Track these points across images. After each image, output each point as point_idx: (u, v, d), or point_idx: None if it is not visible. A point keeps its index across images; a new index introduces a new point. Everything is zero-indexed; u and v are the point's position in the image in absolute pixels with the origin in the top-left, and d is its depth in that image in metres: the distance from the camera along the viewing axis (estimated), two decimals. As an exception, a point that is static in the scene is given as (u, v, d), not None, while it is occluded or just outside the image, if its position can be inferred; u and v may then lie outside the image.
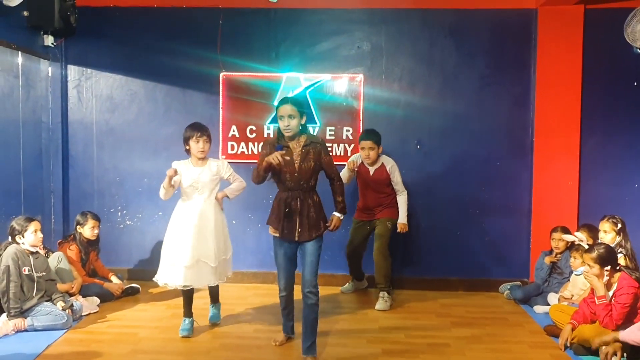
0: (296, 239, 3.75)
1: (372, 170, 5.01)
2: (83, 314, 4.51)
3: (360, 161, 5.00)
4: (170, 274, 4.16)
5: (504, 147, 5.45)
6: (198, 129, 4.21)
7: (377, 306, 4.91)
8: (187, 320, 4.29)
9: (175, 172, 4.13)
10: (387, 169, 5.00)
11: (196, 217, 4.18)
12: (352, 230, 5.16)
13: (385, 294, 4.98)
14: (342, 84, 5.46)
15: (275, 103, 5.18)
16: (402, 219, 5.01)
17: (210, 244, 4.17)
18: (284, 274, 3.90)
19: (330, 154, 4.00)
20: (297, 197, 3.73)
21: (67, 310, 4.26)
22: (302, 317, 3.80)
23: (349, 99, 5.46)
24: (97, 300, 4.74)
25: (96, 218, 5.03)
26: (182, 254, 4.11)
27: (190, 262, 4.10)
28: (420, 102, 5.46)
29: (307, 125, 3.90)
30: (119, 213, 5.67)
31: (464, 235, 5.49)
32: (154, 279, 4.29)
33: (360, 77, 5.43)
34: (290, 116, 3.67)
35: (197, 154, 4.21)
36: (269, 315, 4.70)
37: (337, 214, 3.89)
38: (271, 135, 5.53)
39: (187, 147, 4.25)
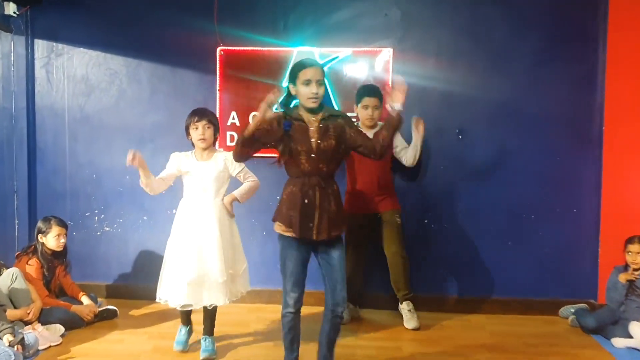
0: (314, 237, 2.96)
1: (371, 134, 4.00)
2: (40, 347, 3.55)
3: None
4: (171, 290, 3.49)
5: (565, 139, 4.44)
6: (196, 112, 3.53)
7: (410, 324, 4.08)
8: (184, 330, 3.69)
9: (135, 158, 3.34)
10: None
11: (200, 222, 3.48)
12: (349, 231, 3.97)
13: (411, 303, 4.18)
14: (366, 60, 4.48)
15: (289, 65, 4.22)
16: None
17: (216, 255, 3.45)
18: (296, 284, 3.04)
19: (357, 128, 3.15)
20: (315, 184, 2.95)
21: (16, 347, 3.30)
22: (323, 339, 3.14)
23: (374, 78, 4.47)
24: (60, 329, 3.79)
25: (62, 224, 4.09)
26: (184, 267, 3.44)
27: (193, 276, 3.42)
28: (461, 83, 4.46)
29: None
30: (96, 217, 4.73)
31: (515, 246, 4.50)
32: (157, 297, 3.58)
33: (388, 51, 4.45)
34: (319, 82, 2.93)
35: (198, 143, 3.49)
36: (277, 347, 3.72)
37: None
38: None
39: (189, 137, 3.55)
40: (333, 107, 4.45)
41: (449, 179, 4.46)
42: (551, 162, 4.45)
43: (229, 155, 3.52)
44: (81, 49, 4.67)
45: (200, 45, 4.52)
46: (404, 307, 4.18)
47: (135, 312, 4.35)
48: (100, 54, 4.66)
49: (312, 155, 2.94)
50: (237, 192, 3.61)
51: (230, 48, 4.52)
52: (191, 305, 3.47)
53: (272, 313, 4.40)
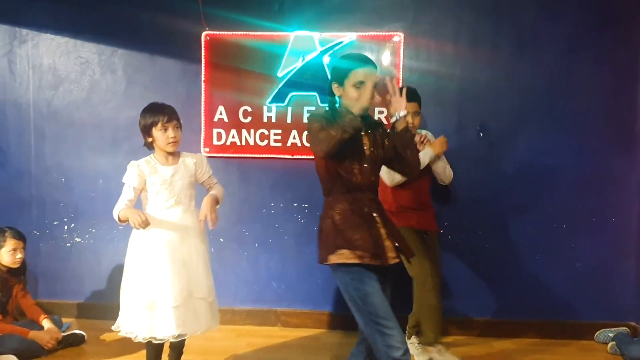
0: (389, 261, 2.40)
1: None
2: (-13, 384, 2.99)
3: None
4: (143, 321, 2.81)
5: (604, 137, 3.85)
6: (162, 111, 2.90)
7: (423, 357, 3.49)
8: None
9: (146, 224, 2.74)
10: (429, 140, 3.61)
11: (177, 236, 2.88)
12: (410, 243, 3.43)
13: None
14: (374, 46, 3.89)
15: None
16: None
17: (202, 271, 2.92)
18: (394, 319, 2.34)
19: None
20: (370, 199, 2.48)
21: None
22: None
23: (383, 67, 3.89)
24: (13, 360, 3.22)
25: (19, 237, 3.53)
26: (166, 291, 2.81)
27: (180, 299, 2.81)
28: (483, 73, 3.88)
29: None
30: (65, 227, 4.16)
31: (545, 260, 3.91)
32: (113, 327, 2.90)
33: (398, 36, 3.87)
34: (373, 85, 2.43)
35: (167, 147, 2.89)
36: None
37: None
38: (273, 119, 3.98)
39: (150, 139, 2.93)
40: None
41: (468, 184, 3.87)
42: (586, 164, 3.86)
43: (199, 158, 3.01)
44: (48, 34, 4.10)
45: (183, 29, 3.96)
46: (415, 340, 3.59)
47: (107, 337, 3.77)
48: (69, 40, 4.09)
49: (365, 165, 2.46)
50: (215, 193, 2.98)
51: (217, 33, 3.95)
52: (186, 334, 2.87)
53: (266, 337, 3.85)
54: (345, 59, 2.51)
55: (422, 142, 3.47)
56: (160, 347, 2.95)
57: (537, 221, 3.89)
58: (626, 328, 3.79)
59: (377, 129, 2.56)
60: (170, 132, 2.86)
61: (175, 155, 2.96)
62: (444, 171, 3.54)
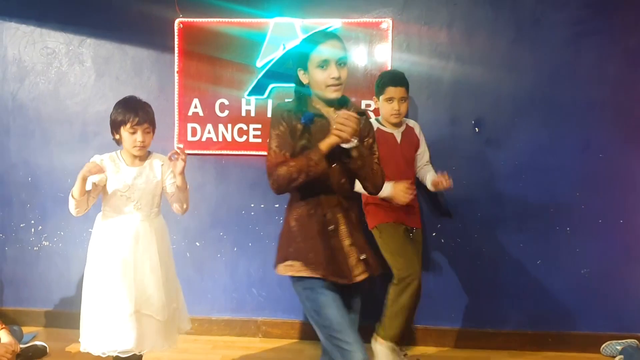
0: (350, 279, 2.15)
1: (398, 135, 3.27)
2: None
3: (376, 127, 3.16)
4: (96, 335, 2.69)
5: (611, 132, 3.56)
6: (135, 111, 2.67)
7: None
8: None
9: (98, 169, 2.61)
10: (416, 132, 3.36)
11: (130, 243, 2.67)
12: (391, 237, 3.17)
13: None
14: (360, 34, 3.61)
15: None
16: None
17: (153, 286, 2.70)
18: (354, 334, 2.11)
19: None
20: (335, 205, 2.19)
21: None
22: None
23: (370, 57, 3.62)
24: (-37, 377, 2.97)
25: (-26, 242, 3.27)
26: (114, 303, 2.65)
27: (127, 315, 2.64)
28: (480, 63, 3.59)
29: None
30: (32, 229, 3.93)
31: (547, 265, 3.62)
32: (81, 345, 2.76)
33: (387, 22, 3.58)
34: (340, 63, 2.18)
35: (133, 150, 2.70)
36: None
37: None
38: (252, 113, 3.71)
39: (117, 136, 2.72)
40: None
41: (463, 183, 3.56)
42: (593, 161, 3.57)
43: (166, 160, 2.75)
44: (12, 23, 3.87)
45: (155, 16, 3.71)
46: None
47: (72, 348, 3.54)
48: (35, 29, 3.85)
49: (334, 165, 2.17)
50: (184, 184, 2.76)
51: (192, 20, 3.69)
52: (133, 350, 2.67)
53: (245, 349, 3.61)
54: (304, 40, 2.25)
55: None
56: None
57: (538, 224, 3.60)
58: (635, 340, 3.50)
59: (363, 119, 2.25)
60: (139, 136, 2.65)
61: (142, 156, 2.73)
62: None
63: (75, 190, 2.59)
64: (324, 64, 2.13)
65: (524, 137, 3.59)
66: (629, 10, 3.51)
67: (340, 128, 2.03)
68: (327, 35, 2.20)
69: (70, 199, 2.64)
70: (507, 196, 3.61)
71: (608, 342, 3.54)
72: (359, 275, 2.15)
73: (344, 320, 2.10)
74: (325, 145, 2.07)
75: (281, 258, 2.19)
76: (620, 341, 3.51)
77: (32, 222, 3.93)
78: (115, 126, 2.69)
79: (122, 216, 2.67)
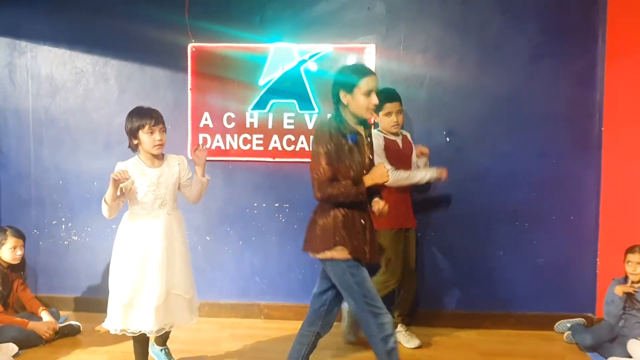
0: (367, 260, 2.85)
1: (399, 142, 3.81)
2: (-11, 370, 3.29)
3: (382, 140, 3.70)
4: (132, 317, 3.09)
5: (562, 140, 4.12)
6: (149, 115, 3.09)
7: (413, 343, 3.85)
8: (162, 352, 3.36)
9: (126, 176, 2.99)
10: (409, 138, 3.93)
11: (162, 238, 3.09)
12: (392, 247, 3.72)
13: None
14: (348, 57, 4.16)
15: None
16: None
17: (181, 270, 3.17)
18: (382, 304, 2.83)
19: None
20: (366, 210, 2.89)
21: (-42, 371, 3.04)
22: None
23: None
24: (14, 348, 3.51)
25: (18, 235, 3.82)
26: (150, 291, 3.06)
27: (161, 299, 3.06)
28: (451, 81, 4.14)
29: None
30: (63, 226, 4.44)
31: (508, 256, 4.18)
32: (103, 325, 3.21)
33: (371, 48, 4.13)
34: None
35: (153, 149, 3.09)
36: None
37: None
38: (255, 125, 4.25)
39: (136, 142, 3.11)
40: (313, 115, 4.22)
41: (436, 185, 4.13)
42: (547, 166, 4.12)
43: (182, 160, 3.23)
44: (45, 46, 4.37)
45: (171, 41, 4.22)
46: (402, 329, 3.90)
47: (101, 328, 4.01)
48: (65, 51, 4.36)
49: (365, 172, 2.80)
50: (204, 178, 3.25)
51: (203, 44, 4.22)
52: (163, 329, 3.14)
53: (248, 329, 4.13)
54: (352, 68, 2.81)
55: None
56: (145, 339, 3.20)
57: (501, 219, 4.16)
58: (582, 319, 4.06)
59: (370, 134, 2.90)
60: (157, 135, 3.05)
61: (159, 157, 3.15)
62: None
63: (108, 195, 2.98)
64: (369, 93, 2.69)
65: (489, 146, 4.15)
66: (578, 37, 4.08)
67: (379, 180, 2.72)
68: (372, 71, 2.78)
69: (103, 204, 3.02)
70: (475, 196, 4.16)
71: (560, 321, 4.09)
72: (374, 257, 2.85)
73: (376, 292, 2.77)
74: (369, 182, 2.73)
75: (330, 244, 2.74)
76: (570, 320, 4.07)
77: (63, 219, 4.44)
78: (133, 132, 3.07)
79: (152, 212, 3.09)
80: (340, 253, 2.74)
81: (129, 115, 3.13)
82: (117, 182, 2.96)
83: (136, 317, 3.09)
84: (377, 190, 2.87)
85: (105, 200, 3.02)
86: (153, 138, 3.06)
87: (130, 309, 3.09)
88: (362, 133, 2.81)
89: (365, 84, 2.69)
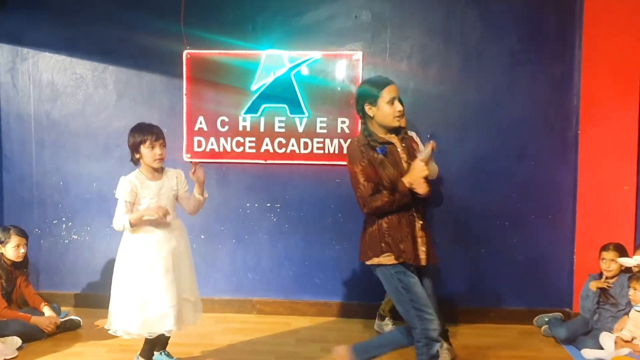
0: (423, 262, 2.90)
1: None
2: (-6, 361, 3.48)
3: None
4: (150, 320, 3.25)
5: (541, 143, 4.32)
6: (150, 130, 3.27)
7: None
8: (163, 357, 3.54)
9: (165, 213, 3.19)
10: (415, 138, 3.58)
11: (168, 245, 3.28)
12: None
13: None
14: (336, 63, 4.36)
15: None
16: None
17: (186, 275, 3.38)
18: (430, 308, 2.86)
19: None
20: (413, 212, 2.90)
21: (-35, 362, 3.23)
22: None
23: (344, 82, 4.36)
24: (17, 341, 3.71)
25: (21, 234, 4.01)
26: (163, 294, 3.23)
27: (175, 299, 3.25)
28: (434, 87, 4.34)
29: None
30: (64, 225, 4.63)
31: (489, 253, 4.38)
32: (110, 331, 3.35)
33: (358, 54, 4.33)
34: (400, 99, 2.88)
35: (154, 163, 3.27)
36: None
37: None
38: (248, 128, 4.44)
39: (138, 156, 3.28)
40: (303, 119, 4.38)
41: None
42: (526, 167, 4.32)
43: (179, 173, 3.40)
44: (46, 53, 4.55)
45: (167, 48, 4.41)
46: (389, 322, 4.09)
47: (100, 322, 4.24)
48: (65, 58, 4.55)
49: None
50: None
51: (197, 51, 4.41)
52: (176, 330, 3.29)
53: (242, 323, 4.33)
54: (372, 81, 2.91)
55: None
56: (155, 339, 3.40)
57: (482, 218, 4.35)
58: (560, 313, 4.26)
59: (408, 138, 2.98)
60: (157, 150, 3.23)
61: (159, 171, 3.33)
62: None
63: (134, 222, 3.16)
64: (392, 101, 2.82)
65: (470, 148, 4.34)
66: (556, 44, 4.27)
67: (419, 174, 2.76)
68: (391, 81, 2.89)
69: (126, 224, 3.16)
70: (457, 196, 4.36)
71: (539, 316, 4.29)
72: (425, 261, 2.87)
73: (426, 297, 2.81)
74: (408, 182, 2.76)
75: (377, 252, 2.83)
76: (548, 314, 4.26)
77: (63, 219, 4.63)
78: (135, 147, 3.23)
79: (155, 222, 3.22)
80: (386, 259, 2.83)
81: (131, 131, 3.30)
82: (151, 215, 3.15)
83: (154, 320, 3.24)
84: (423, 196, 2.84)
85: (127, 223, 3.19)
86: (154, 152, 3.23)
87: (144, 312, 3.23)
88: (394, 141, 2.89)
89: (387, 93, 2.82)
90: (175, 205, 3.41)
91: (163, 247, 3.25)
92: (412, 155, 2.89)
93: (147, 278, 3.23)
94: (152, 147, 3.23)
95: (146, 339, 3.40)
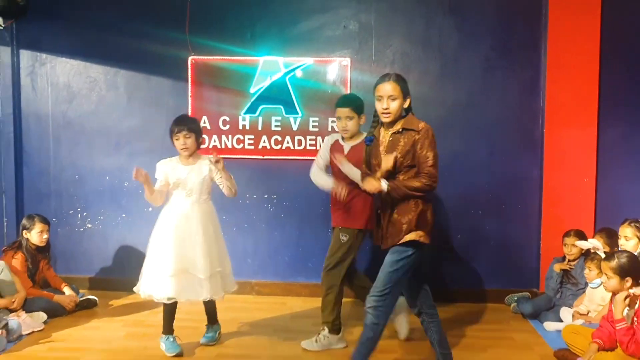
0: (382, 246, 3.17)
1: (347, 148, 3.83)
2: (24, 332, 3.92)
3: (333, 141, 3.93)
4: (154, 284, 3.65)
5: (511, 140, 4.80)
6: (177, 123, 3.73)
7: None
8: (171, 338, 3.80)
9: (140, 174, 3.57)
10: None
11: (180, 220, 3.69)
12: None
13: (325, 331, 3.88)
14: (327, 68, 4.82)
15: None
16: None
17: (198, 253, 3.65)
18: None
19: (432, 150, 3.09)
20: (384, 195, 3.11)
21: (0, 331, 3.67)
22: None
23: (334, 85, 4.82)
24: (43, 316, 4.15)
25: (44, 221, 4.44)
26: (165, 262, 3.62)
27: (173, 271, 3.60)
28: (415, 90, 4.60)
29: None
30: (79, 215, 5.07)
31: (464, 240, 4.86)
32: (134, 289, 3.75)
33: (347, 60, 4.80)
34: (391, 97, 3.04)
35: (181, 152, 3.72)
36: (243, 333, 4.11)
37: (382, 181, 3.06)
38: (247, 127, 4.90)
39: (174, 145, 3.76)
40: (297, 119, 4.81)
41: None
42: (497, 162, 4.80)
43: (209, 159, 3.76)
44: (63, 58, 4.98)
45: (173, 55, 4.85)
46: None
47: (114, 302, 4.71)
48: (81, 63, 4.98)
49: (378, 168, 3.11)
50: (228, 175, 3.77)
51: (201, 57, 4.85)
52: (174, 298, 3.63)
53: (242, 303, 4.75)
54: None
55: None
56: (172, 308, 3.74)
57: (458, 208, 4.83)
58: (528, 293, 4.74)
59: (409, 134, 3.06)
60: (181, 140, 3.66)
61: (195, 156, 3.74)
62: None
63: (146, 193, 3.66)
64: (379, 98, 3.05)
65: (448, 145, 4.70)
66: (524, 52, 4.75)
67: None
68: (384, 79, 3.07)
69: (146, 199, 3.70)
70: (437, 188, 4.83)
71: (509, 295, 4.75)
72: (385, 243, 3.18)
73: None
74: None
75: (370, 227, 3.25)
76: (517, 294, 4.73)
77: (78, 209, 5.06)
78: (170, 136, 3.72)
79: (179, 201, 3.69)
80: (423, 237, 3.19)
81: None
82: (138, 178, 3.58)
83: (157, 286, 3.62)
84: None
85: (145, 197, 3.71)
86: (179, 143, 3.69)
87: (154, 278, 3.64)
88: (382, 135, 3.13)
89: (376, 90, 3.08)
90: (206, 189, 3.75)
91: (178, 225, 3.65)
92: (393, 149, 3.06)
93: (159, 248, 3.66)
94: (177, 139, 3.69)
95: (165, 306, 3.74)
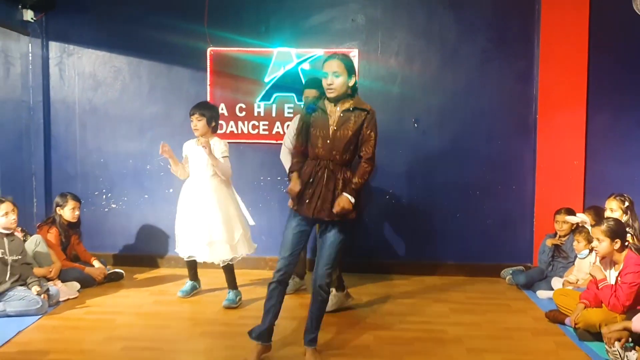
0: (312, 214, 3.22)
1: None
2: (61, 299, 4.27)
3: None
4: (180, 246, 4.36)
5: (506, 125, 5.18)
6: (193, 107, 4.26)
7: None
8: (189, 283, 4.53)
9: (165, 149, 4.20)
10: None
11: (192, 192, 4.27)
12: None
13: (333, 292, 4.22)
14: (336, 59, 5.17)
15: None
16: None
17: (204, 220, 4.16)
18: (285, 251, 3.31)
19: (375, 130, 3.25)
20: (325, 167, 3.22)
21: (42, 295, 4.02)
22: (309, 310, 3.42)
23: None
24: (77, 285, 4.51)
25: (76, 199, 4.80)
26: (180, 227, 4.32)
27: (185, 234, 4.26)
28: (418, 79, 5.19)
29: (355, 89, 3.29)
30: (104, 196, 5.42)
31: (463, 218, 5.23)
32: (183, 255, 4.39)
33: (355, 51, 5.16)
34: (334, 73, 3.16)
35: (194, 132, 4.21)
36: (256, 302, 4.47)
37: (345, 195, 3.21)
38: (262, 114, 5.26)
39: None
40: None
41: (406, 161, 5.18)
42: (494, 146, 5.17)
43: (217, 141, 4.21)
44: (89, 49, 5.33)
45: (193, 46, 5.20)
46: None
47: (138, 276, 5.06)
48: (106, 53, 5.33)
49: (328, 141, 3.19)
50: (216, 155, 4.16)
51: (219, 49, 5.21)
52: (191, 256, 4.27)
53: (256, 277, 5.12)
54: None
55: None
56: (191, 264, 4.43)
57: (458, 189, 5.20)
58: (522, 267, 5.11)
59: (359, 114, 3.18)
60: (193, 122, 4.20)
61: (206, 137, 4.14)
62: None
63: (172, 167, 4.28)
64: (325, 75, 3.19)
65: (448, 130, 5.19)
66: (518, 44, 5.13)
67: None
68: (331, 56, 3.22)
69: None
70: (437, 170, 5.20)
71: (505, 269, 5.13)
72: (317, 214, 3.26)
73: (287, 240, 3.36)
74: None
75: (287, 191, 3.31)
76: (512, 268, 5.11)
77: (103, 190, 5.40)
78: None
79: (192, 175, 4.28)
80: (289, 202, 3.43)
81: None
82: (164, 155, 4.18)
83: (180, 247, 4.35)
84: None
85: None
86: (192, 125, 4.22)
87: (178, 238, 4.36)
88: (330, 109, 3.21)
89: (323, 67, 3.21)
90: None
91: (189, 197, 4.26)
92: (345, 127, 3.18)
93: (179, 217, 4.31)
94: (191, 121, 4.22)
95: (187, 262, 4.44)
